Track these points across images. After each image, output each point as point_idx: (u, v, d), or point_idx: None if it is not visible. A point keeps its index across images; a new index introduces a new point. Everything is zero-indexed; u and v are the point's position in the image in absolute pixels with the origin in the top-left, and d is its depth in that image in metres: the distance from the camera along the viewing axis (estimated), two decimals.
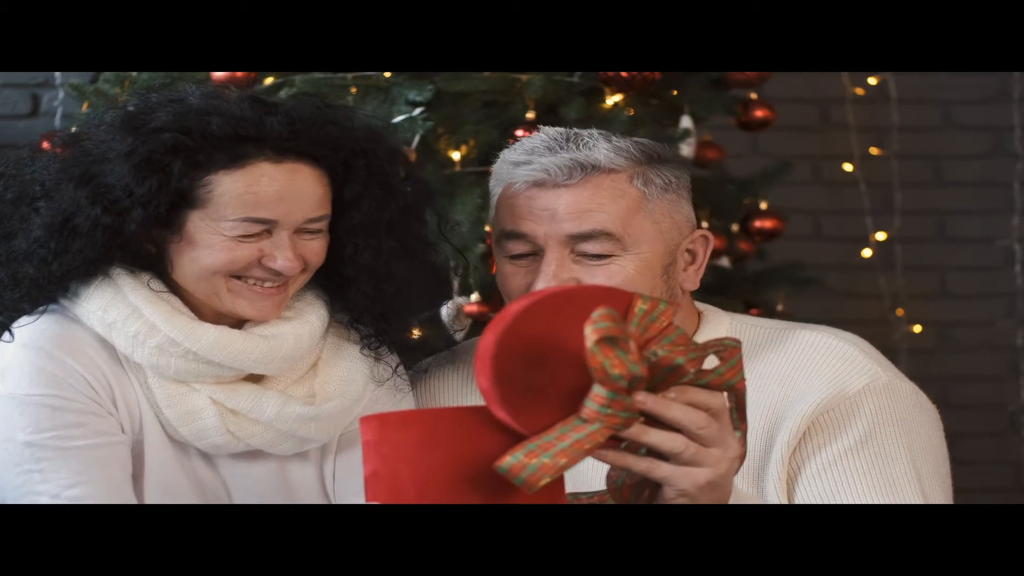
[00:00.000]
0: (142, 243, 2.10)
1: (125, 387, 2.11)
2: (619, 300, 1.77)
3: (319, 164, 2.12)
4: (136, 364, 2.11)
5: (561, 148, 2.17)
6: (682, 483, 1.79)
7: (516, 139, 2.33)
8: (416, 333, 2.61)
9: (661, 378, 1.76)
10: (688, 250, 2.23)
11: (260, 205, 2.07)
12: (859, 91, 4.52)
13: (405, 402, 2.25)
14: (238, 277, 2.10)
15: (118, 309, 2.10)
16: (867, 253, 4.52)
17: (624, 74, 3.21)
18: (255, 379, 2.15)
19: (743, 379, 1.81)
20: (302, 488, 2.19)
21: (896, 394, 2.18)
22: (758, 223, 3.65)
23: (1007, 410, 4.64)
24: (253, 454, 2.16)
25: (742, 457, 1.83)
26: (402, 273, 2.20)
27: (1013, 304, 4.68)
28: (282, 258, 2.09)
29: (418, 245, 2.23)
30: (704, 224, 3.32)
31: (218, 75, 3.07)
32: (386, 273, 2.18)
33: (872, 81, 4.52)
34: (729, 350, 1.80)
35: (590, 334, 1.70)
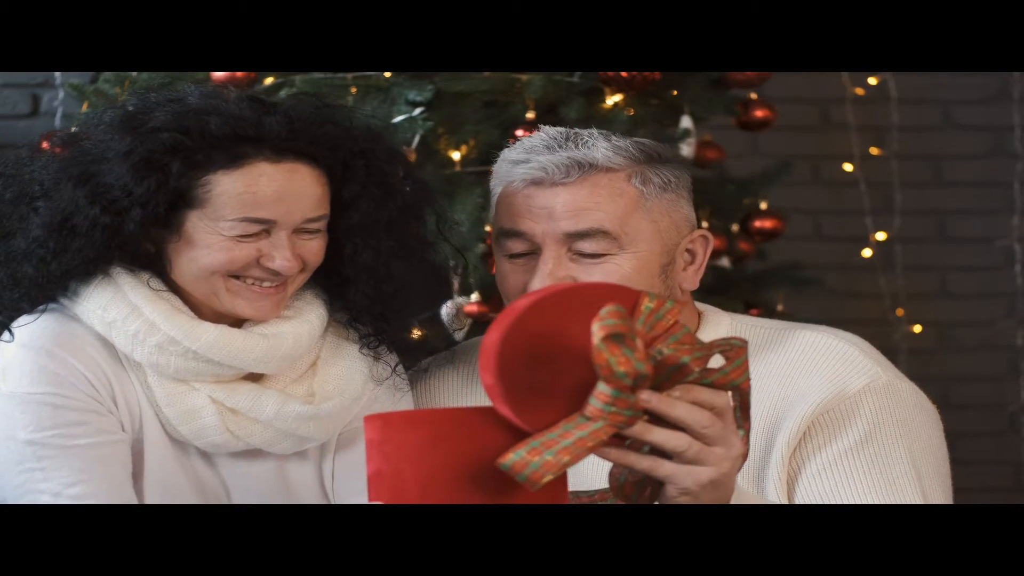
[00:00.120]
0: (141, 243, 2.10)
1: (125, 386, 2.11)
2: (626, 298, 1.76)
3: (318, 164, 2.11)
4: (136, 363, 2.11)
5: (560, 147, 2.17)
6: (685, 482, 1.79)
7: (516, 139, 2.32)
8: (416, 333, 2.61)
9: (666, 376, 1.76)
10: (687, 250, 2.22)
11: (259, 205, 2.07)
12: (859, 91, 4.52)
13: (404, 401, 2.25)
14: (237, 277, 2.10)
15: (118, 308, 2.10)
16: (867, 253, 4.52)
17: (624, 74, 3.21)
18: (254, 378, 2.15)
19: (748, 379, 1.81)
20: (301, 487, 2.19)
21: (896, 394, 2.17)
22: (758, 223, 3.65)
23: (1007, 410, 4.64)
24: (252, 453, 2.16)
25: (745, 456, 1.83)
26: (401, 273, 2.20)
27: (1013, 304, 4.68)
28: (280, 258, 2.09)
29: (417, 245, 2.22)
30: (704, 224, 3.31)
31: (218, 75, 3.07)
32: (385, 273, 2.18)
33: (872, 81, 4.51)
34: (735, 349, 1.80)
35: (597, 331, 1.70)
